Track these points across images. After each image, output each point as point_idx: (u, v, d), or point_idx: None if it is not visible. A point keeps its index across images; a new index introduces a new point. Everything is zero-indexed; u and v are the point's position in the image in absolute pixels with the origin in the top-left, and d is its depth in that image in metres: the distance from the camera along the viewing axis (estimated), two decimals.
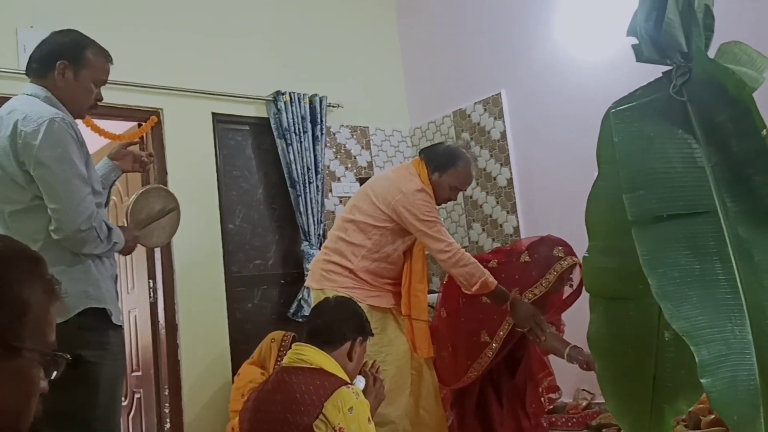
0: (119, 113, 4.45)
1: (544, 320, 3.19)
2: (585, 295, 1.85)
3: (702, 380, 1.46)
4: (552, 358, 3.47)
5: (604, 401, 1.85)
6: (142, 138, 4.59)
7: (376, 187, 3.33)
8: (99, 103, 2.35)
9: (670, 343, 1.67)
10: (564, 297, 3.38)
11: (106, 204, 2.43)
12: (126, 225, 2.42)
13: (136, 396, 4.68)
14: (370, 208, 3.24)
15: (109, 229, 2.18)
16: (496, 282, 3.12)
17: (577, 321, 2.45)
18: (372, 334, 2.54)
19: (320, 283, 3.26)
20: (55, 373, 1.00)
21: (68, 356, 1.01)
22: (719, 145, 1.62)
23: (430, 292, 4.63)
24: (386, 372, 3.03)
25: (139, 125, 4.61)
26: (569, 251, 3.24)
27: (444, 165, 3.29)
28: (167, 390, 4.44)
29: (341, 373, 2.32)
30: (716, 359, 1.47)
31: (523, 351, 3.45)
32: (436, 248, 3.14)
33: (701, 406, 2.16)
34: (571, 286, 3.30)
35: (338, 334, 2.38)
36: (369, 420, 2.22)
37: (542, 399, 3.43)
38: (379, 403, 2.56)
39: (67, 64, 2.22)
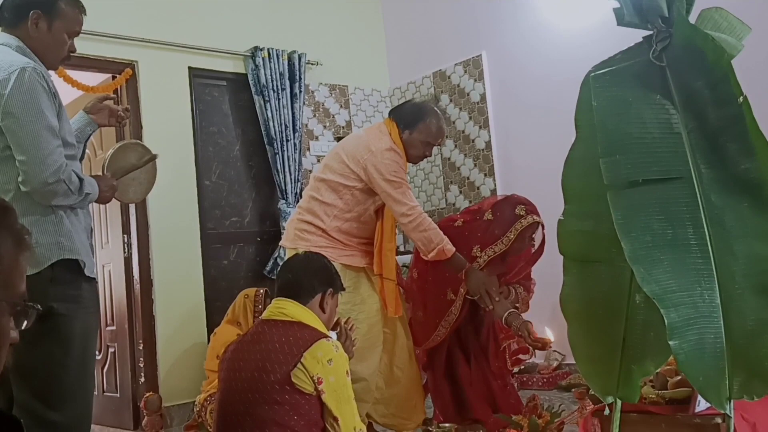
0: (93, 64, 4.37)
1: (498, 288, 3.23)
2: (559, 258, 1.86)
3: (670, 342, 1.49)
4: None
5: (574, 362, 1.88)
6: (116, 91, 4.51)
7: (347, 146, 3.32)
8: (72, 55, 2.30)
9: (641, 306, 1.70)
10: (529, 255, 3.41)
11: (81, 158, 2.39)
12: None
13: (111, 350, 4.69)
14: (341, 167, 3.23)
15: (81, 180, 2.14)
16: (453, 249, 3.14)
17: (550, 284, 2.48)
18: (343, 289, 2.55)
19: (294, 242, 3.26)
20: (25, 323, 0.99)
21: (39, 307, 1.00)
22: (696, 112, 1.63)
23: (406, 252, 4.67)
24: (358, 330, 3.05)
25: (114, 77, 4.52)
26: (531, 210, 3.26)
27: (413, 122, 3.27)
28: (141, 345, 4.45)
29: (321, 327, 2.34)
30: (685, 322, 1.50)
31: (484, 310, 3.50)
32: (398, 211, 3.14)
33: (668, 367, 2.20)
34: (534, 245, 3.34)
35: (308, 287, 2.39)
36: (347, 373, 2.25)
37: (506, 358, 3.48)
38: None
39: (41, 14, 2.17)
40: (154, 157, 2.53)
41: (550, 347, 3.26)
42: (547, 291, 3.21)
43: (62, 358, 2.07)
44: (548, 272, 3.30)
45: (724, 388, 1.51)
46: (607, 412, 1.82)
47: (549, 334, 3.71)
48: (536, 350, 3.36)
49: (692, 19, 1.72)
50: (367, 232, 3.31)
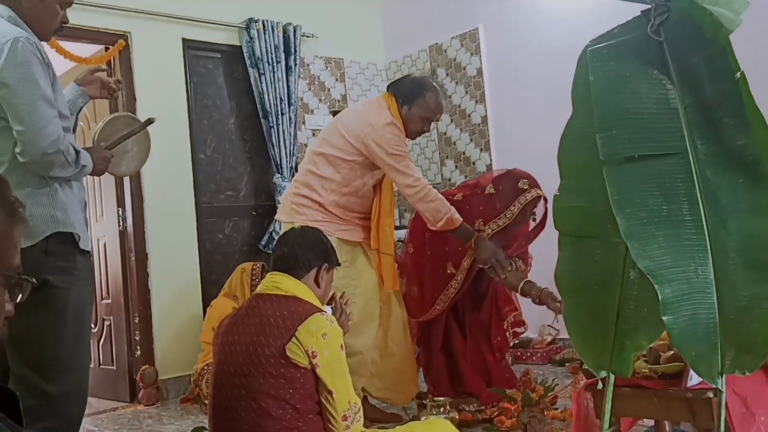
0: (86, 35, 4.32)
1: (505, 258, 3.22)
2: (555, 233, 1.87)
3: (664, 317, 1.50)
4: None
5: (568, 337, 1.89)
6: (109, 62, 4.47)
7: (346, 120, 3.30)
8: (65, 25, 2.28)
9: (635, 281, 1.71)
10: (528, 230, 3.42)
11: (74, 130, 2.37)
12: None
13: (106, 323, 4.70)
14: (340, 141, 3.21)
15: (77, 152, 2.13)
16: (461, 219, 3.14)
17: (545, 258, 2.49)
18: (339, 264, 2.56)
19: (290, 216, 3.25)
20: (20, 296, 0.99)
21: (33, 280, 1.00)
22: (693, 87, 1.62)
23: (401, 227, 4.66)
24: (355, 304, 3.06)
25: (107, 49, 4.48)
26: (534, 183, 3.26)
27: (411, 97, 3.26)
28: (137, 318, 4.46)
29: (316, 302, 2.35)
30: (678, 297, 1.51)
31: (487, 284, 3.50)
32: (403, 183, 3.14)
33: (661, 342, 2.22)
34: (534, 219, 3.34)
35: (303, 261, 2.39)
36: (341, 347, 2.25)
37: (507, 333, 3.51)
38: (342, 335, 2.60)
39: None
40: (150, 121, 2.51)
41: None
42: (543, 266, 3.23)
43: (57, 330, 2.08)
44: (545, 246, 3.31)
45: (716, 362, 1.52)
46: (600, 386, 1.84)
47: None
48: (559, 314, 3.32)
49: None
50: (365, 206, 3.30)
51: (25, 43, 2.04)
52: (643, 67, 1.67)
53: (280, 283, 2.34)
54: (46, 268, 2.02)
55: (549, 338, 4.64)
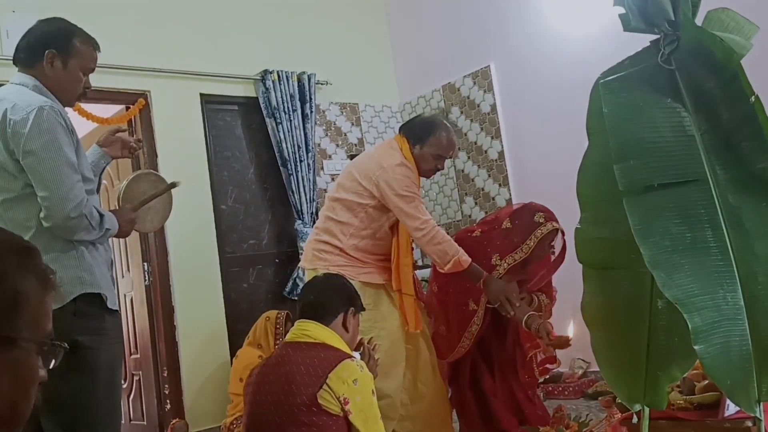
0: (106, 96, 4.42)
1: (516, 294, 3.20)
2: (578, 266, 1.86)
3: (695, 347, 1.48)
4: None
5: (599, 370, 1.87)
6: (130, 121, 4.56)
7: (359, 164, 3.33)
8: (88, 90, 2.33)
9: (663, 311, 1.69)
10: (549, 263, 3.40)
11: (98, 190, 2.41)
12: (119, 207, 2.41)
13: (136, 378, 4.71)
14: (353, 185, 3.23)
15: (101, 215, 2.17)
16: (469, 260, 3.13)
17: (571, 291, 2.47)
18: (363, 309, 2.56)
19: (313, 263, 3.26)
20: (53, 362, 1.00)
21: (66, 345, 1.01)
22: (708, 113, 1.63)
23: (425, 266, 4.66)
24: (381, 347, 3.04)
25: (127, 108, 4.58)
26: (550, 217, 3.25)
27: (423, 136, 3.27)
28: (166, 371, 4.46)
29: (345, 348, 2.35)
30: (709, 326, 1.49)
31: (508, 320, 3.47)
32: (411, 225, 3.14)
33: (695, 372, 2.18)
34: (554, 253, 3.32)
35: (330, 307, 2.40)
36: (373, 392, 2.24)
37: (535, 369, 3.46)
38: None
39: (56, 53, 2.20)
40: (174, 185, 2.55)
41: (570, 345, 3.22)
42: (568, 299, 3.20)
43: (90, 390, 2.08)
44: (569, 279, 3.29)
45: (753, 390, 1.50)
46: (635, 420, 1.80)
47: (571, 330, 3.66)
48: (556, 349, 3.31)
49: (699, 20, 1.72)
50: (384, 248, 3.31)
51: (50, 112, 2.09)
52: (656, 96, 1.68)
53: (309, 330, 2.35)
54: (76, 330, 2.04)
55: (580, 371, 4.57)
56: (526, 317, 3.13)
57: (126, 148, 2.55)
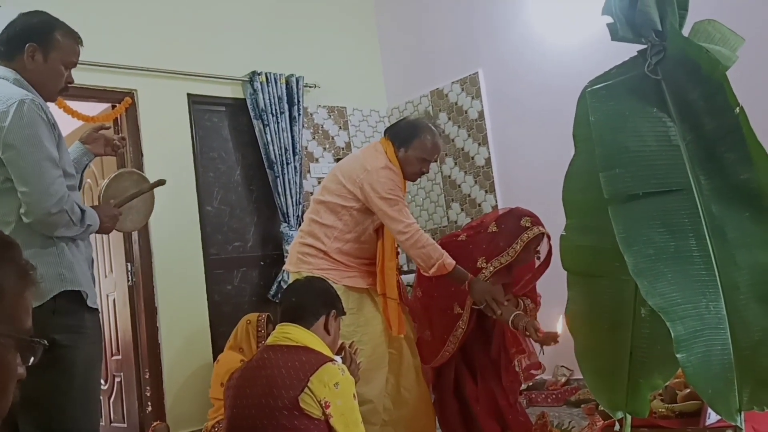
0: (92, 94, 4.39)
1: (501, 295, 3.20)
2: (563, 272, 1.86)
3: (677, 355, 1.48)
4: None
5: (582, 377, 1.87)
6: (116, 119, 4.53)
7: (344, 166, 3.32)
8: (70, 86, 2.31)
9: (646, 319, 1.70)
10: (534, 268, 3.40)
11: (80, 187, 2.39)
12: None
13: (117, 379, 4.67)
14: (338, 188, 3.23)
15: (83, 211, 2.15)
16: (453, 263, 3.13)
17: (555, 298, 2.48)
18: (344, 312, 2.55)
19: (297, 266, 3.25)
20: (32, 359, 0.99)
21: (45, 342, 1.00)
22: (693, 123, 1.64)
23: (410, 272, 4.65)
24: (363, 351, 3.03)
25: (113, 107, 4.55)
26: (536, 221, 3.26)
27: (407, 139, 3.27)
28: (147, 373, 4.43)
29: (326, 351, 2.34)
30: (691, 335, 1.49)
31: (493, 324, 3.48)
32: (394, 228, 3.13)
33: (677, 380, 2.19)
34: (539, 258, 3.33)
35: (311, 310, 2.39)
36: (354, 397, 2.23)
37: (519, 373, 3.46)
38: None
39: (36, 46, 2.17)
40: (159, 183, 2.53)
41: (558, 341, 3.22)
42: (554, 303, 3.21)
43: (66, 389, 2.06)
44: (554, 286, 3.30)
45: (734, 399, 1.50)
46: (617, 427, 1.81)
47: (560, 326, 3.66)
48: (545, 346, 3.29)
49: (685, 32, 1.73)
50: (368, 252, 3.30)
51: (31, 105, 2.07)
52: (641, 105, 1.69)
53: (291, 333, 2.34)
54: (54, 328, 2.01)
55: (563, 379, 4.58)
56: (512, 316, 3.13)
57: (109, 146, 2.53)
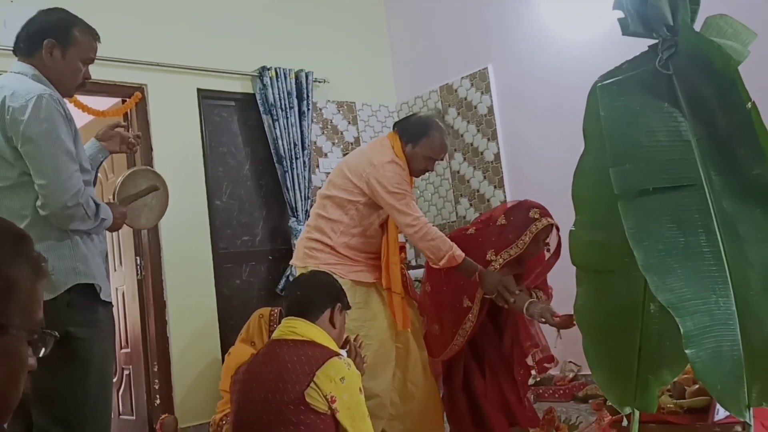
0: (103, 89, 4.40)
1: (512, 284, 3.20)
2: (572, 268, 1.86)
3: (687, 351, 1.48)
4: (544, 330, 3.51)
5: (590, 373, 1.87)
6: (126, 114, 4.55)
7: (350, 161, 3.32)
8: (87, 81, 2.33)
9: (656, 315, 1.69)
10: (544, 260, 3.40)
11: (94, 183, 2.41)
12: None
13: (125, 372, 4.69)
14: (344, 183, 3.23)
15: (97, 205, 2.17)
16: (463, 255, 3.13)
17: (566, 294, 2.47)
18: (349, 307, 2.56)
19: (303, 261, 3.26)
20: (43, 351, 1.00)
21: (56, 333, 1.00)
22: (704, 119, 1.63)
23: (418, 266, 4.65)
24: (370, 346, 3.04)
25: (123, 101, 4.56)
26: (545, 213, 3.25)
27: (416, 136, 3.27)
28: (156, 366, 4.45)
29: (332, 345, 2.34)
30: (701, 330, 1.49)
31: (506, 317, 3.47)
32: (403, 222, 3.14)
33: (686, 376, 2.19)
34: (548, 250, 3.32)
35: (317, 303, 2.40)
36: (360, 391, 2.24)
37: (532, 367, 3.46)
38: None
39: (55, 43, 2.20)
40: (164, 187, 2.55)
41: (574, 324, 3.21)
42: (561, 301, 3.20)
43: (82, 382, 2.08)
44: (564, 282, 3.30)
45: (743, 395, 1.50)
46: (625, 423, 1.81)
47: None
48: (562, 329, 3.26)
49: (697, 26, 1.72)
50: (375, 246, 3.30)
51: (49, 100, 2.09)
52: (653, 100, 1.68)
53: (297, 327, 2.34)
54: (69, 321, 2.03)
55: (571, 374, 4.58)
56: (526, 305, 3.12)
57: (124, 144, 2.55)
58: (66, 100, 2.26)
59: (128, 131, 2.58)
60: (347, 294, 2.63)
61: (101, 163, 2.52)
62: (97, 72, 3.99)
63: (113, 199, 2.41)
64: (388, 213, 3.20)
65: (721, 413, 2.04)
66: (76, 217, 2.09)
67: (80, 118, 4.24)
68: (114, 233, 4.67)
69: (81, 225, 2.12)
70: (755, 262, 1.53)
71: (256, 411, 2.21)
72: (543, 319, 3.09)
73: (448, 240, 3.14)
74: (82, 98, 4.24)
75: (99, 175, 2.68)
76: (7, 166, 2.11)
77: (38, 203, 2.07)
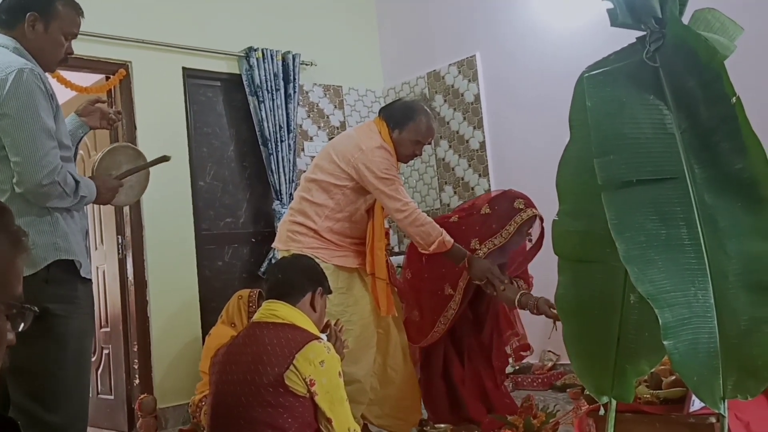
0: (87, 65, 4.35)
1: (501, 272, 3.22)
2: (554, 257, 1.87)
3: (665, 342, 1.49)
4: (524, 320, 3.53)
5: (569, 362, 1.89)
6: (110, 91, 4.50)
7: (337, 145, 3.31)
8: (69, 56, 2.29)
9: (635, 305, 1.70)
10: (526, 250, 3.43)
11: (74, 159, 2.38)
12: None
13: (105, 352, 4.68)
14: (331, 167, 3.22)
15: (77, 182, 2.14)
16: (452, 241, 3.15)
17: (546, 283, 2.49)
18: (330, 291, 2.56)
19: (286, 244, 3.25)
20: (22, 326, 0.99)
21: (35, 309, 1.00)
22: (689, 112, 1.63)
23: (400, 253, 4.66)
24: (351, 331, 3.05)
25: (107, 78, 4.51)
26: (529, 203, 3.27)
27: (402, 121, 3.26)
28: (136, 346, 4.44)
29: (312, 329, 2.35)
30: (679, 322, 1.50)
31: (486, 306, 3.50)
32: (392, 207, 3.14)
33: (663, 367, 2.21)
34: (530, 240, 3.35)
35: (298, 286, 2.40)
36: (339, 375, 2.25)
37: (509, 355, 3.49)
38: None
39: (37, 16, 2.16)
40: (164, 159, 2.54)
41: None
42: (542, 291, 3.22)
43: (59, 358, 2.06)
44: (545, 271, 3.31)
45: (718, 387, 1.52)
46: (602, 412, 1.82)
47: None
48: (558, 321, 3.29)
49: (685, 20, 1.72)
50: (359, 231, 3.30)
51: (30, 75, 2.06)
52: (639, 92, 1.69)
53: (277, 310, 2.34)
54: (47, 297, 2.01)
55: (550, 363, 4.62)
56: (518, 296, 3.15)
57: (105, 119, 2.52)
58: (48, 75, 2.22)
59: (110, 107, 2.55)
60: (330, 279, 2.63)
61: (81, 138, 2.49)
62: (81, 47, 3.96)
63: (92, 174, 2.38)
64: (377, 198, 3.20)
65: (696, 404, 2.06)
66: (52, 195, 2.06)
67: (63, 94, 4.19)
68: (96, 211, 4.64)
69: (59, 203, 2.10)
70: (734, 255, 1.55)
71: (235, 392, 2.21)
72: (536, 310, 3.11)
73: (438, 226, 3.15)
74: (65, 74, 4.19)
75: (81, 151, 2.65)
76: None
77: (14, 180, 2.04)
